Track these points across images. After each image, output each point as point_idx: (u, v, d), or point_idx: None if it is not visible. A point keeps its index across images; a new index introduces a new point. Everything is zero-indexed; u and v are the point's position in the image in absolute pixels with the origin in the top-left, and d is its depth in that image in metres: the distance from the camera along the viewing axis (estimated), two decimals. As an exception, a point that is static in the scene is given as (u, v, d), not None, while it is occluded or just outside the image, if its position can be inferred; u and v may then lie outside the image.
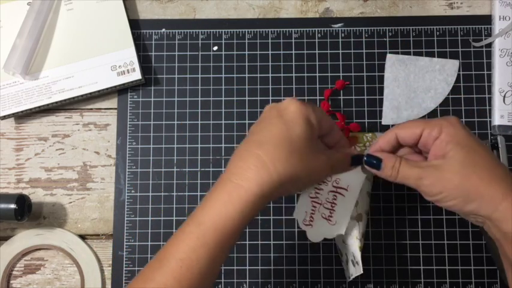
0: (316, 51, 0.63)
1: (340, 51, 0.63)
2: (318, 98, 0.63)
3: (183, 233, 0.42)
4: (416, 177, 0.46)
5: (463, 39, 0.63)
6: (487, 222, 0.45)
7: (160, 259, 0.42)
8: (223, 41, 0.64)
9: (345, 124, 0.60)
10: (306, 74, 0.63)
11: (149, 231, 0.60)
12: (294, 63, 0.63)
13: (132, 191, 0.61)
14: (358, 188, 0.50)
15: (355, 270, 0.52)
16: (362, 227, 0.53)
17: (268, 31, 0.64)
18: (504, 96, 0.61)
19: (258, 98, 0.63)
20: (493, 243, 0.48)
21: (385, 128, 0.61)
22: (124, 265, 0.60)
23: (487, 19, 0.64)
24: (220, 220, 0.41)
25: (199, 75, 0.63)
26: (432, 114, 0.62)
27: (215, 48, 0.64)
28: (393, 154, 0.49)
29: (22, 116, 0.63)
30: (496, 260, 0.58)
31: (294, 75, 0.63)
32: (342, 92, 0.63)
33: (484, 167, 0.44)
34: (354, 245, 0.52)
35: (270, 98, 0.63)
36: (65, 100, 0.61)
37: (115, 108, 0.63)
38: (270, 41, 0.64)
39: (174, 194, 0.61)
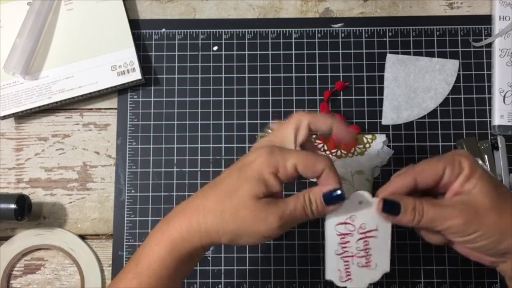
0: (316, 51, 0.63)
1: (340, 51, 0.63)
2: (318, 98, 0.63)
3: (123, 272, 0.43)
4: (446, 218, 0.42)
5: (463, 39, 0.63)
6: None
7: None
8: (223, 41, 0.64)
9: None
10: (306, 74, 0.63)
11: (149, 231, 0.60)
12: (294, 63, 0.63)
13: (132, 191, 0.61)
14: (388, 224, 0.45)
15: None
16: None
17: (268, 31, 0.64)
18: (504, 96, 0.61)
19: (258, 98, 0.63)
20: None
21: (385, 128, 0.61)
22: (124, 265, 0.60)
23: (487, 19, 0.64)
24: (153, 259, 0.42)
25: (199, 75, 0.63)
26: (432, 114, 0.62)
27: (215, 48, 0.64)
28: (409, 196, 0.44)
29: (22, 116, 0.63)
30: None
31: (294, 75, 0.63)
32: (341, 92, 0.63)
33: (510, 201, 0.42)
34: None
35: (270, 98, 0.63)
36: (65, 100, 0.61)
37: (115, 108, 0.63)
38: (270, 41, 0.64)
39: (174, 194, 0.61)
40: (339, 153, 0.59)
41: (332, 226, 0.45)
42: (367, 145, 0.58)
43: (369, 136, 0.60)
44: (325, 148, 0.58)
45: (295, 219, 0.43)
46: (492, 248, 0.42)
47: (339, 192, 0.43)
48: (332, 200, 0.43)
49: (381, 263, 0.45)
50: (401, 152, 0.61)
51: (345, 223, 0.45)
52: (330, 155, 0.58)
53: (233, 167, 0.44)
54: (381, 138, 0.60)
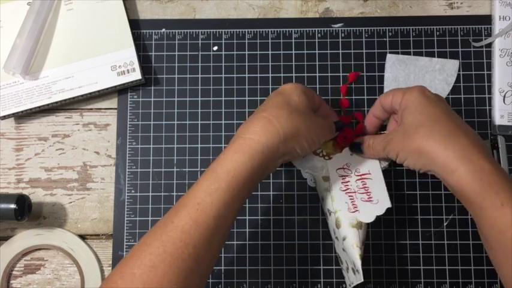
0: (316, 51, 0.63)
1: (340, 51, 0.63)
2: (318, 98, 0.63)
3: (198, 183, 0.46)
4: (383, 148, 0.53)
5: (463, 39, 0.63)
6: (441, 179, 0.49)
7: (178, 207, 0.45)
8: (223, 41, 0.64)
9: (363, 124, 0.60)
10: (306, 74, 0.63)
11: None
12: (294, 63, 0.63)
13: (132, 191, 0.61)
14: (378, 168, 0.57)
15: (356, 278, 0.53)
16: (362, 235, 0.53)
17: (268, 31, 0.64)
18: (504, 96, 0.61)
19: (258, 98, 0.63)
20: None
21: (385, 128, 0.61)
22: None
23: (487, 19, 0.64)
24: (232, 166, 0.46)
25: (199, 75, 0.63)
26: (432, 114, 0.62)
27: (215, 48, 0.64)
28: (373, 134, 0.58)
29: (22, 116, 0.63)
30: None
31: (294, 75, 0.63)
32: (342, 91, 0.62)
33: (426, 125, 0.48)
34: (354, 252, 0.52)
35: (270, 98, 0.63)
36: (65, 100, 0.61)
37: (115, 108, 0.63)
38: (270, 41, 0.64)
39: (174, 194, 0.61)
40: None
41: (334, 171, 0.56)
42: None
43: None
44: (324, 154, 0.58)
45: (332, 134, 0.56)
46: (415, 167, 0.50)
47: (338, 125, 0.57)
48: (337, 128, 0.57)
49: (382, 200, 0.54)
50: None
51: (343, 168, 0.57)
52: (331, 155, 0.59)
53: (271, 96, 0.52)
54: None
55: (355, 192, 0.55)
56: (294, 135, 0.49)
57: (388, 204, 0.54)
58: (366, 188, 0.55)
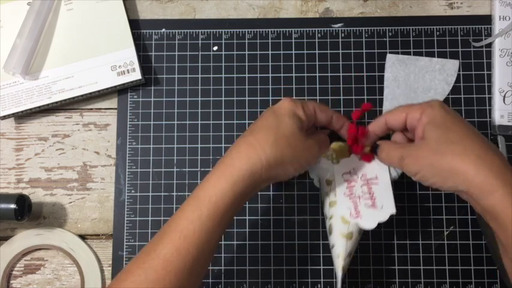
0: (316, 51, 0.63)
1: (340, 51, 0.63)
2: (318, 98, 0.63)
3: (181, 210, 0.46)
4: (399, 157, 0.50)
5: (463, 39, 0.63)
6: (471, 203, 0.47)
7: (161, 234, 0.46)
8: (223, 41, 0.64)
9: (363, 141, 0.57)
10: (306, 74, 0.63)
11: (149, 231, 0.60)
12: (294, 63, 0.63)
13: (132, 191, 0.61)
14: (387, 174, 0.55)
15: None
16: (350, 246, 0.53)
17: (268, 31, 0.64)
18: (504, 96, 0.61)
19: (258, 98, 0.63)
20: (487, 229, 0.50)
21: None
22: (124, 265, 0.60)
23: (487, 19, 0.64)
24: (214, 192, 0.46)
25: (199, 75, 0.63)
26: (432, 114, 0.62)
27: (215, 48, 0.64)
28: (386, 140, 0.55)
29: (22, 116, 0.63)
30: (491, 247, 0.58)
31: (294, 75, 0.63)
32: (341, 91, 0.63)
33: (458, 143, 0.46)
34: (338, 263, 0.52)
35: (270, 98, 0.63)
36: (65, 100, 0.61)
37: (115, 108, 0.63)
38: (270, 41, 0.64)
39: (174, 194, 0.61)
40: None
41: (339, 175, 0.55)
42: None
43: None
44: (334, 157, 0.58)
45: (322, 148, 0.54)
46: (441, 187, 0.48)
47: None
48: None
49: (387, 205, 0.53)
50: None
51: (349, 172, 0.56)
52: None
53: (264, 114, 0.51)
54: None
55: (359, 197, 0.54)
56: (278, 162, 0.48)
57: (393, 210, 0.53)
58: (372, 194, 0.54)
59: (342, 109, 0.62)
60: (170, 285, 0.43)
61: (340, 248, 0.52)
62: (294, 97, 0.63)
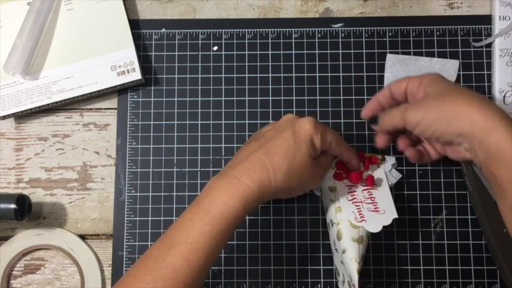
0: (316, 51, 0.63)
1: (340, 51, 0.63)
2: (318, 97, 0.62)
3: (191, 220, 0.47)
4: (402, 111, 0.51)
5: (463, 39, 0.63)
6: (472, 147, 0.49)
7: (169, 242, 0.46)
8: (223, 41, 0.64)
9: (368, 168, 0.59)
10: (305, 74, 0.63)
11: (149, 231, 0.60)
12: (294, 63, 0.63)
13: (132, 191, 0.61)
14: (384, 178, 0.57)
15: None
16: (362, 250, 0.53)
17: (268, 31, 0.64)
18: (504, 96, 0.61)
19: (258, 98, 0.63)
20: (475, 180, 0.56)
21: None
22: (124, 265, 0.60)
23: (487, 19, 0.64)
24: (226, 210, 0.46)
25: (199, 75, 0.63)
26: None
27: (215, 48, 0.64)
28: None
29: (22, 116, 0.63)
30: (491, 248, 0.58)
31: (294, 75, 0.63)
32: (342, 91, 0.63)
33: (460, 92, 0.49)
34: (353, 267, 0.51)
35: (270, 98, 0.63)
36: (65, 100, 0.61)
37: (115, 108, 0.63)
38: (270, 41, 0.64)
39: (174, 194, 0.61)
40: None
41: (340, 181, 0.56)
42: (380, 165, 0.59)
43: (379, 157, 0.60)
44: (333, 165, 0.58)
45: (326, 170, 0.56)
46: (444, 131, 0.49)
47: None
48: None
49: (388, 210, 0.54)
50: (401, 152, 0.61)
51: None
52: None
53: (284, 133, 0.51)
54: (390, 160, 0.59)
55: (361, 202, 0.55)
56: (285, 189, 0.50)
57: (395, 215, 0.53)
58: (373, 199, 0.55)
59: (342, 109, 0.62)
60: None
61: (353, 252, 0.52)
62: (294, 97, 0.63)
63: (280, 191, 0.50)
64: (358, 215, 0.53)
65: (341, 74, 0.63)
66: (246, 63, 0.64)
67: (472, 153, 0.50)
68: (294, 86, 0.63)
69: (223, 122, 0.62)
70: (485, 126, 0.46)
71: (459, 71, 0.63)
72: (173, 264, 0.44)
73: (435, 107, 0.49)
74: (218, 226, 0.46)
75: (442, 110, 0.48)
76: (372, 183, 0.57)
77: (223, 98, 0.63)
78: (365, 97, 0.62)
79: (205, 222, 0.46)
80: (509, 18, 0.63)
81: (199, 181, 0.61)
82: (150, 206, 0.61)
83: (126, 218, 0.61)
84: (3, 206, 0.56)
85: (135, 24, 0.64)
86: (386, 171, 0.58)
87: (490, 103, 0.48)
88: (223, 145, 0.62)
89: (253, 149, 0.50)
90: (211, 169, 0.61)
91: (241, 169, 0.49)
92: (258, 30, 0.64)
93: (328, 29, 0.64)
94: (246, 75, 0.63)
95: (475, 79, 0.63)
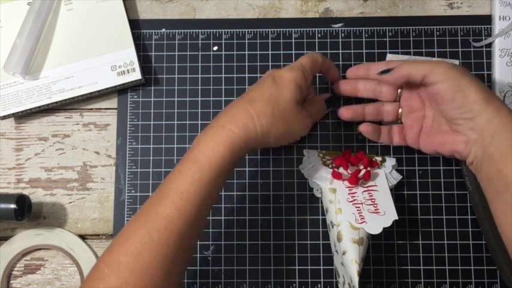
0: (316, 51, 0.63)
1: (340, 51, 0.63)
2: (318, 98, 0.62)
3: (180, 172, 0.47)
4: (432, 64, 0.51)
5: (463, 39, 0.63)
6: (478, 130, 0.50)
7: (161, 195, 0.47)
8: (223, 41, 0.64)
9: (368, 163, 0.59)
10: (306, 74, 0.63)
11: (149, 231, 0.60)
12: (294, 63, 0.63)
13: (132, 191, 0.61)
14: (384, 180, 0.57)
15: None
16: (362, 251, 0.53)
17: (268, 31, 0.64)
18: (504, 96, 0.61)
19: (258, 98, 0.63)
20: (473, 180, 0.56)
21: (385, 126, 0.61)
22: (124, 265, 0.60)
23: (487, 19, 0.64)
24: (213, 157, 0.47)
25: (199, 75, 0.63)
26: (432, 114, 0.62)
27: (215, 48, 0.64)
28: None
29: (22, 116, 0.63)
30: (491, 248, 0.58)
31: (294, 75, 0.63)
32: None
33: (472, 84, 0.50)
34: (353, 268, 0.51)
35: (270, 98, 0.63)
36: (65, 100, 0.61)
37: (115, 108, 0.63)
38: (270, 41, 0.64)
39: (174, 194, 0.61)
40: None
41: (340, 182, 0.57)
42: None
43: (379, 158, 0.60)
44: (334, 165, 0.58)
45: (316, 119, 0.58)
46: (460, 102, 0.50)
47: (332, 100, 0.60)
48: (329, 103, 0.60)
49: (389, 212, 0.54)
50: (401, 152, 0.61)
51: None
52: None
53: (265, 81, 0.53)
54: (390, 161, 0.60)
55: (362, 203, 0.55)
56: (272, 135, 0.51)
57: (395, 217, 0.53)
58: (373, 200, 0.55)
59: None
60: (174, 244, 0.44)
61: (353, 254, 0.52)
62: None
63: (267, 136, 0.50)
64: (359, 217, 0.53)
65: (341, 74, 0.63)
66: (246, 63, 0.64)
67: (471, 143, 0.50)
68: (294, 86, 0.63)
69: (223, 122, 0.62)
70: (489, 116, 0.48)
71: (459, 71, 0.63)
72: (166, 215, 0.45)
73: (445, 68, 0.51)
74: (207, 174, 0.47)
75: (452, 75, 0.50)
76: (369, 177, 0.57)
77: (223, 98, 0.63)
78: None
79: (193, 171, 0.47)
80: (509, 18, 0.63)
81: (199, 181, 0.61)
82: (150, 206, 0.61)
83: (126, 218, 0.61)
84: (3, 206, 0.56)
85: (135, 24, 0.64)
86: (386, 173, 0.58)
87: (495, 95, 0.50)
88: (223, 145, 0.62)
89: (236, 101, 0.52)
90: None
91: (225, 118, 0.50)
92: (258, 30, 0.64)
93: (328, 29, 0.64)
94: (246, 75, 0.63)
95: (475, 79, 0.62)
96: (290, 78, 0.52)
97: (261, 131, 0.50)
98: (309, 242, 0.60)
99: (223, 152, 0.48)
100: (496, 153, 0.48)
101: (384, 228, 0.52)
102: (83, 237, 0.61)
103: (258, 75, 0.63)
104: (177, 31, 0.64)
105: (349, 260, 0.52)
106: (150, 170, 0.62)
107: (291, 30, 0.64)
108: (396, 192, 0.60)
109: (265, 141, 0.51)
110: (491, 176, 0.49)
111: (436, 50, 0.63)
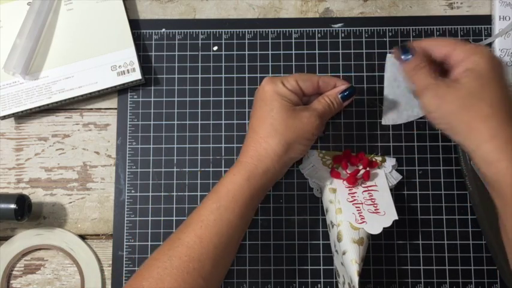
0: (316, 51, 0.63)
1: (340, 51, 0.63)
2: (318, 98, 0.62)
3: (202, 203, 0.50)
4: (424, 86, 0.49)
5: (463, 39, 0.63)
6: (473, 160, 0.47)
7: (185, 224, 0.50)
8: (223, 41, 0.64)
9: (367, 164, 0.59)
10: (306, 74, 0.63)
11: (149, 231, 0.60)
12: (294, 63, 0.63)
13: (132, 191, 0.61)
14: (384, 180, 0.57)
15: None
16: (362, 251, 0.53)
17: (268, 31, 0.64)
18: (504, 96, 0.61)
19: (258, 98, 0.63)
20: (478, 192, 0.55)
21: (386, 128, 0.61)
22: (124, 265, 0.60)
23: (487, 19, 0.64)
24: (232, 187, 0.50)
25: (199, 75, 0.63)
26: (432, 114, 0.62)
27: (215, 48, 0.64)
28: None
29: (22, 116, 0.63)
30: (491, 248, 0.58)
31: (294, 75, 0.63)
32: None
33: (489, 102, 0.46)
34: (353, 268, 0.51)
35: (270, 98, 0.63)
36: (65, 100, 0.61)
37: (115, 108, 0.63)
38: (270, 41, 0.64)
39: (174, 194, 0.61)
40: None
41: (340, 182, 0.57)
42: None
43: (379, 158, 0.60)
44: (334, 166, 0.58)
45: (327, 115, 0.55)
46: (450, 135, 0.48)
47: (348, 91, 0.56)
48: (346, 96, 0.56)
49: (389, 212, 0.54)
50: (401, 152, 0.61)
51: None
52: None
53: (255, 104, 0.54)
54: (390, 161, 0.60)
55: (362, 203, 0.55)
56: (285, 148, 0.51)
57: (395, 217, 0.53)
58: (373, 200, 0.55)
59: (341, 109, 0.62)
60: (194, 272, 0.46)
61: (353, 254, 0.52)
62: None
63: (284, 152, 0.51)
64: (359, 217, 0.53)
65: (341, 74, 0.63)
66: (246, 63, 0.64)
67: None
68: (294, 86, 0.63)
69: (223, 122, 0.62)
70: (488, 155, 0.45)
71: (459, 71, 0.63)
72: (187, 242, 0.47)
73: (453, 109, 0.47)
74: (225, 203, 0.49)
75: (457, 118, 0.47)
76: (368, 178, 0.57)
77: (223, 98, 0.63)
78: (365, 97, 0.62)
79: (213, 201, 0.49)
80: (509, 18, 0.63)
81: (199, 181, 0.61)
82: (150, 206, 0.61)
83: (126, 218, 0.61)
84: (3, 206, 0.56)
85: (135, 24, 0.64)
86: (386, 173, 0.58)
87: (510, 121, 0.45)
88: (223, 145, 0.62)
89: (246, 135, 0.54)
90: (211, 169, 0.61)
91: (241, 154, 0.52)
92: (258, 30, 0.64)
93: (328, 29, 0.64)
94: (246, 75, 0.63)
95: (475, 79, 0.62)
96: (271, 90, 0.52)
97: (273, 151, 0.51)
98: (309, 242, 0.60)
99: (240, 181, 0.50)
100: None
101: (384, 228, 0.52)
102: (83, 237, 0.61)
103: (258, 75, 0.63)
104: (177, 31, 0.64)
105: (349, 260, 0.52)
106: (150, 170, 0.62)
107: (291, 30, 0.64)
108: (396, 192, 0.60)
109: (285, 158, 0.52)
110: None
111: (436, 50, 0.63)
